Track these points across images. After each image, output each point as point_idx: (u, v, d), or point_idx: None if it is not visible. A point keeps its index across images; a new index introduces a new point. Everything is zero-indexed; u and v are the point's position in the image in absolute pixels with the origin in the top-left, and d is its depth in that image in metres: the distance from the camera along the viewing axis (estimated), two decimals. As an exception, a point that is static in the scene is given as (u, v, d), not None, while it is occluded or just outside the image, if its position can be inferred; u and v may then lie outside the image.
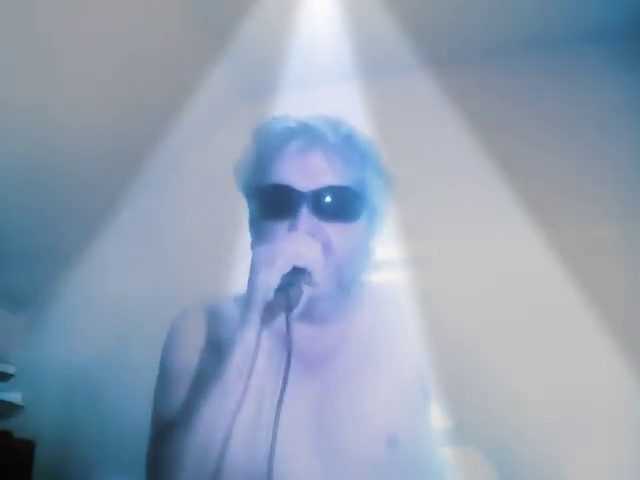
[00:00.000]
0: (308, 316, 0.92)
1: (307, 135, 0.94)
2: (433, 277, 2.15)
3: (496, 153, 2.26)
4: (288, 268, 0.83)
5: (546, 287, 2.11)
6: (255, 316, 0.83)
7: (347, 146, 0.95)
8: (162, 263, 2.54)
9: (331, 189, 0.92)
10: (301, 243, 0.86)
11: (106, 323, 2.49)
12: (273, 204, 0.93)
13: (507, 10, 2.24)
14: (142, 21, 2.08)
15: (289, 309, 0.82)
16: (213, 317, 1.00)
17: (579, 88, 2.34)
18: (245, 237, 1.01)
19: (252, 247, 0.94)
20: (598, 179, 2.23)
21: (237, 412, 0.80)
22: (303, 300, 0.84)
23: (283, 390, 0.78)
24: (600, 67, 2.32)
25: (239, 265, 0.96)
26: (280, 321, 0.82)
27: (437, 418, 0.99)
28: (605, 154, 2.26)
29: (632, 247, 2.14)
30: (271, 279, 0.82)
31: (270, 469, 0.75)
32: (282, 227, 0.91)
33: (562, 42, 2.36)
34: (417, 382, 0.96)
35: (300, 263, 0.84)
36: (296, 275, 0.83)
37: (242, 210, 1.03)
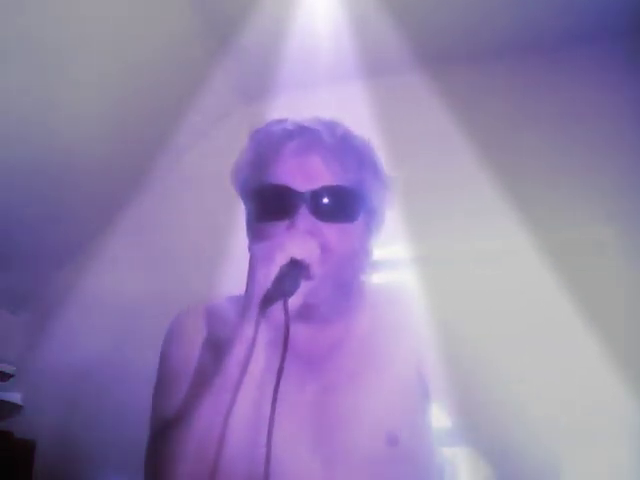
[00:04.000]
0: (308, 316, 0.92)
1: (304, 136, 0.95)
2: (432, 277, 2.15)
3: (496, 154, 2.26)
4: (286, 261, 0.84)
5: (546, 288, 2.12)
6: (254, 311, 0.83)
7: (344, 147, 0.96)
8: (162, 263, 2.54)
9: (329, 189, 0.93)
10: (299, 239, 0.87)
11: (106, 323, 2.50)
12: (271, 205, 0.94)
13: (507, 10, 2.25)
14: (143, 22, 2.08)
15: (286, 295, 0.83)
16: (212, 317, 1.00)
17: (579, 89, 2.34)
18: (245, 237, 1.01)
19: (250, 248, 0.95)
20: (598, 180, 2.23)
21: (235, 407, 0.80)
22: (298, 293, 0.85)
23: (279, 378, 0.79)
24: (600, 67, 2.32)
25: (239, 265, 0.95)
26: (278, 312, 0.83)
27: (437, 418, 0.99)
28: (605, 154, 2.26)
29: (632, 248, 2.14)
30: (270, 274, 0.83)
31: (267, 465, 0.75)
32: (280, 227, 0.92)
33: (562, 42, 2.36)
34: (417, 382, 0.96)
35: (298, 256, 0.85)
36: (293, 267, 0.85)
37: (242, 210, 1.03)
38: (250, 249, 0.93)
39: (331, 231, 0.92)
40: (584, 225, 2.18)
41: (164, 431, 0.86)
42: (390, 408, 0.93)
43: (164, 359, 0.99)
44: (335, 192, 0.93)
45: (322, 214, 0.92)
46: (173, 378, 0.94)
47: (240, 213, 1.03)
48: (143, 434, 0.92)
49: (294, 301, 0.84)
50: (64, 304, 2.62)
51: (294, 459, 0.89)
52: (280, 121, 1.00)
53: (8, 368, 2.51)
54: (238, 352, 0.83)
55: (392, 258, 2.16)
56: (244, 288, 0.87)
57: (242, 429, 0.81)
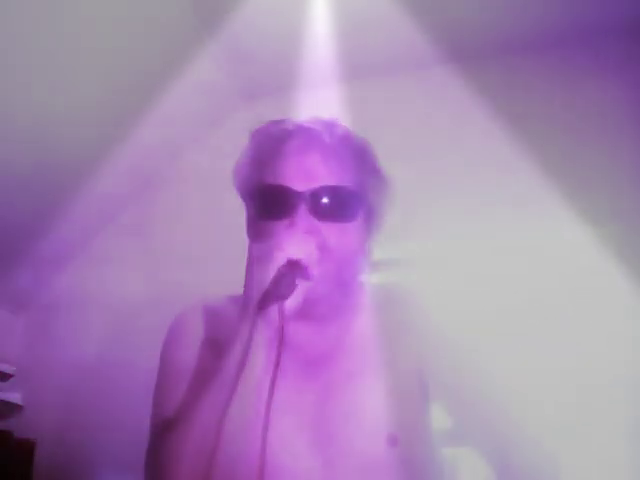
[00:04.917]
0: (307, 316, 0.92)
1: (304, 136, 0.96)
2: (431, 277, 2.15)
3: (492, 153, 2.26)
4: (283, 261, 0.84)
5: (544, 287, 2.12)
6: (252, 311, 0.83)
7: (343, 147, 0.97)
8: (162, 263, 2.54)
9: (328, 189, 0.93)
10: (297, 238, 0.87)
11: (106, 323, 2.50)
12: (271, 204, 0.94)
13: (507, 9, 2.24)
14: (141, 20, 2.08)
15: (282, 298, 0.83)
16: (212, 317, 1.00)
17: (579, 87, 2.34)
18: (245, 237, 1.01)
19: (249, 247, 0.95)
20: (597, 179, 2.23)
21: (234, 407, 0.80)
22: (298, 293, 0.85)
23: (274, 378, 0.79)
24: (600, 67, 2.31)
25: (239, 264, 0.95)
26: (276, 312, 0.83)
27: (436, 418, 0.99)
28: (605, 154, 2.26)
29: (632, 247, 2.14)
30: (268, 274, 0.84)
31: (262, 463, 0.75)
32: (280, 226, 0.91)
33: (561, 41, 2.36)
34: (416, 382, 0.96)
35: (296, 256, 0.85)
36: (291, 267, 0.84)
37: (242, 210, 1.03)
38: (249, 248, 0.93)
39: (330, 231, 0.92)
40: (583, 224, 2.18)
41: (164, 431, 0.86)
42: (390, 408, 0.93)
43: (164, 359, 0.99)
44: (334, 192, 0.93)
45: (321, 214, 0.92)
46: (173, 378, 0.94)
47: (241, 212, 1.03)
48: (143, 434, 0.92)
49: (293, 301, 0.84)
50: (64, 304, 2.62)
51: (293, 458, 0.90)
52: (280, 121, 1.00)
53: (8, 368, 2.51)
54: (237, 352, 0.83)
55: (392, 258, 2.16)
56: (243, 287, 0.87)
57: (241, 429, 0.82)
